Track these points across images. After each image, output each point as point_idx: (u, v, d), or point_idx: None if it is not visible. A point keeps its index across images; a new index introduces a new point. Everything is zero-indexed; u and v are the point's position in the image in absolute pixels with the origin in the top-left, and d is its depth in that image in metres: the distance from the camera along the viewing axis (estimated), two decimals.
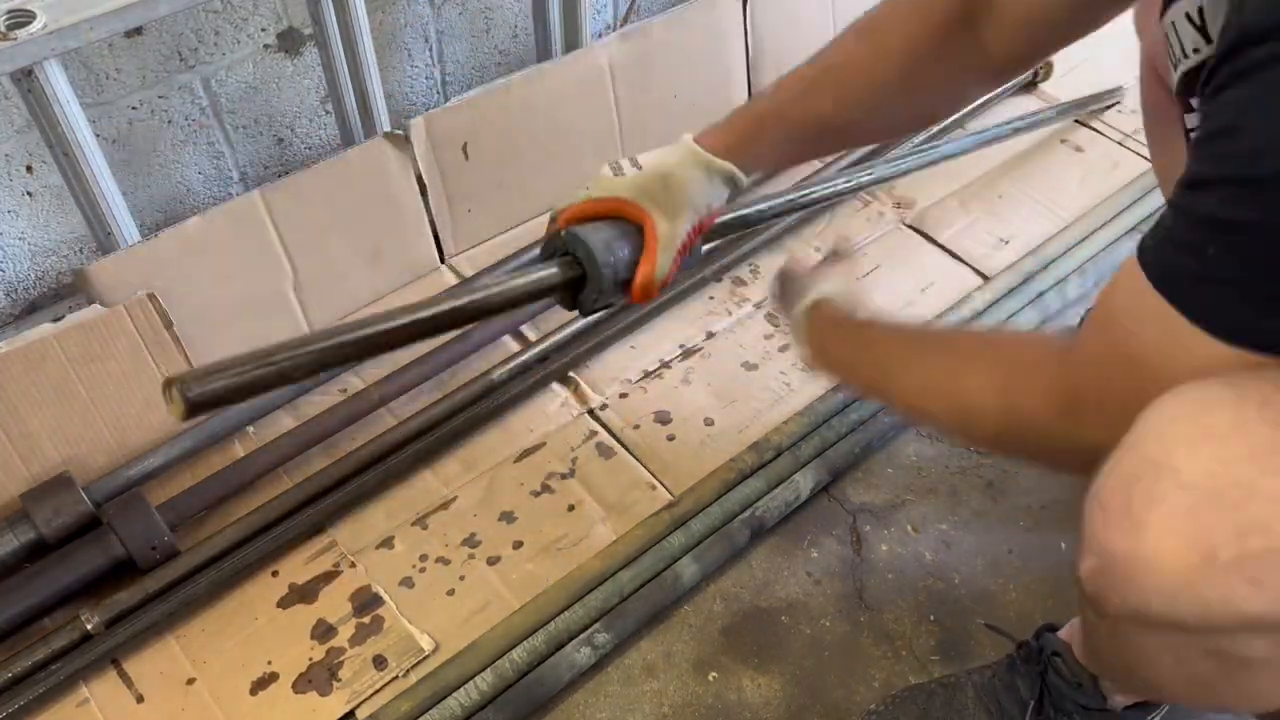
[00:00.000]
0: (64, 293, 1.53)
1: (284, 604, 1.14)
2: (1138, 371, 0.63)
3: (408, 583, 1.15)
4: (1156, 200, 1.56)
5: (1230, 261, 0.58)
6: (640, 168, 0.87)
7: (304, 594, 1.14)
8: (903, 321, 0.88)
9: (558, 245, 0.88)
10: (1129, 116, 1.71)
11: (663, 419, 1.31)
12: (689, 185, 0.86)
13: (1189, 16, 0.63)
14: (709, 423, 1.30)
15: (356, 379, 1.35)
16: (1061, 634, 0.94)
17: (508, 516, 1.21)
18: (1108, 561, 0.62)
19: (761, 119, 0.88)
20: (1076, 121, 1.72)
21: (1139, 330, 0.63)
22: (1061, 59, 1.76)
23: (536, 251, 1.44)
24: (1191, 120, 0.69)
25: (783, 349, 1.39)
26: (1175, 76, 0.67)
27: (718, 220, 0.93)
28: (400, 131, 1.38)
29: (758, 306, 1.45)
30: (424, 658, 1.08)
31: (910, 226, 1.56)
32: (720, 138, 0.88)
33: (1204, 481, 0.57)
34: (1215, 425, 0.58)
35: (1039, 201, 1.58)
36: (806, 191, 1.13)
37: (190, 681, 1.07)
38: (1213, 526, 0.57)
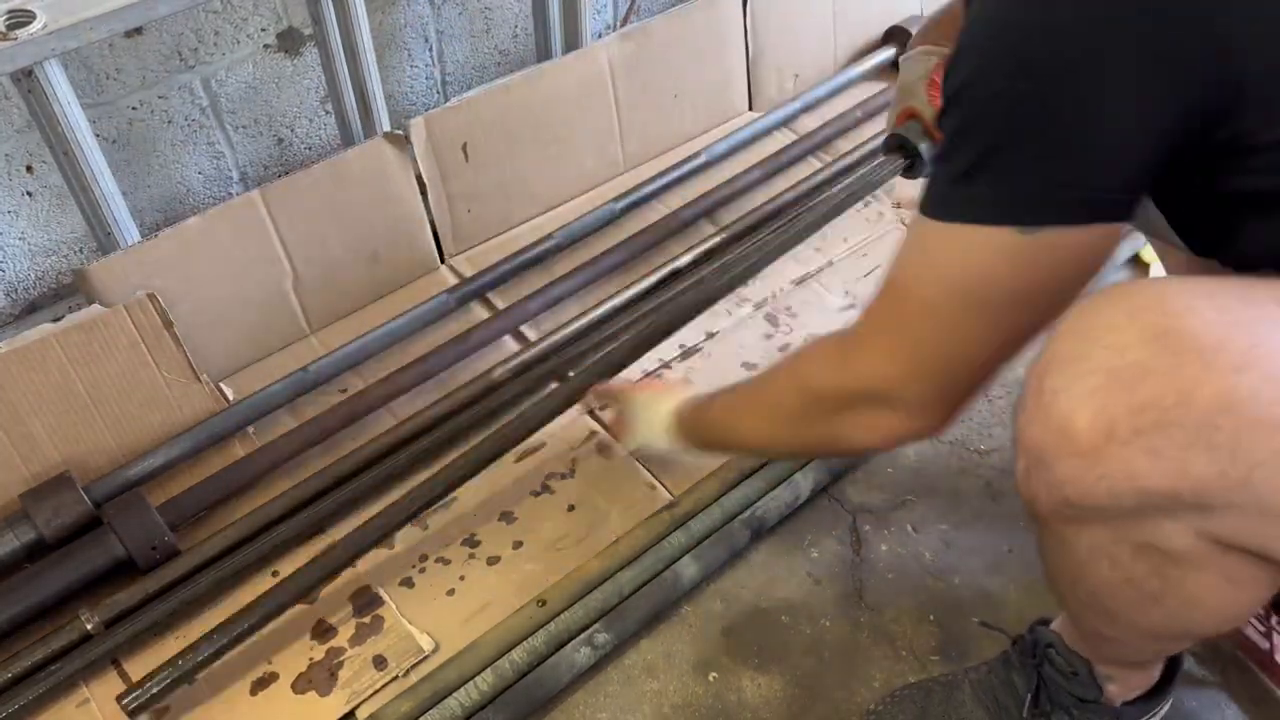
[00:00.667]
0: (64, 293, 1.53)
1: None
2: (903, 296, 0.75)
3: (408, 583, 1.15)
4: None
5: (978, 149, 0.67)
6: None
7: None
8: (731, 386, 1.01)
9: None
10: None
11: None
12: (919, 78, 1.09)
13: None
14: None
15: (357, 379, 1.35)
16: (1054, 625, 0.94)
17: (508, 516, 1.21)
18: (1030, 455, 0.68)
19: None
20: None
21: (915, 264, 0.75)
22: None
23: (537, 251, 1.46)
24: None
25: (782, 349, 1.39)
26: None
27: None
28: (400, 131, 1.38)
29: (757, 307, 1.45)
30: (424, 658, 1.08)
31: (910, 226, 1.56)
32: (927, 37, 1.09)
33: (1102, 366, 0.63)
34: (1112, 319, 0.64)
35: None
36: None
37: (190, 682, 1.07)
38: (1112, 405, 0.62)
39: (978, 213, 0.68)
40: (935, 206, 0.72)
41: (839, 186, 1.52)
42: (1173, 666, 0.95)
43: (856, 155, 1.62)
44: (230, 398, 1.30)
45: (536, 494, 1.23)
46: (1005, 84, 0.66)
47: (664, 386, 1.13)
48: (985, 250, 0.69)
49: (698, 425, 1.04)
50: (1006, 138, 0.67)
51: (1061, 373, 0.65)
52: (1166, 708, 0.96)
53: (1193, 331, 0.61)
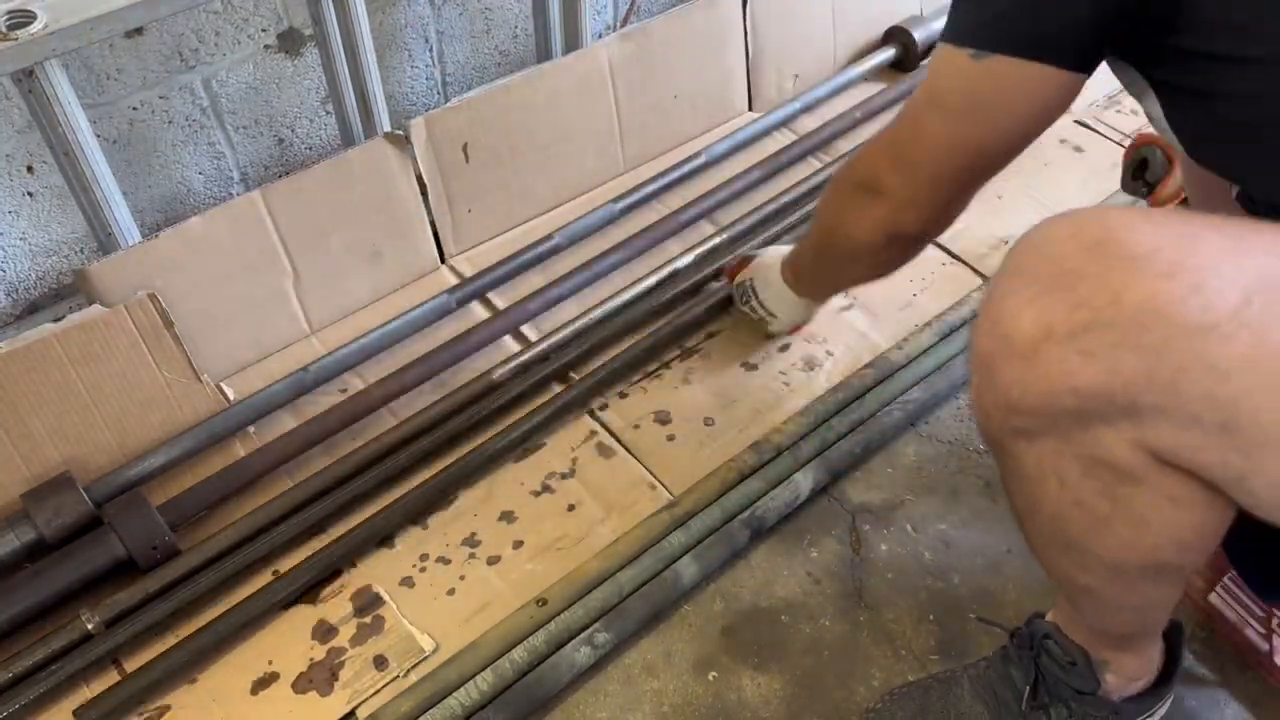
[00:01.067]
0: (65, 293, 1.53)
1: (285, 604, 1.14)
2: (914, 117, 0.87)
3: (408, 583, 1.15)
4: None
5: None
6: None
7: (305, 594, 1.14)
8: None
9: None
10: (1129, 117, 1.71)
11: (663, 419, 1.31)
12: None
13: None
14: (709, 423, 1.31)
15: (357, 379, 1.35)
16: (1049, 616, 0.94)
17: (508, 516, 1.22)
18: (979, 365, 0.73)
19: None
20: (1076, 122, 1.72)
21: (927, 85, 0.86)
22: None
23: (537, 251, 1.46)
24: None
25: (782, 349, 1.39)
26: None
27: None
28: (400, 132, 1.38)
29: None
30: (424, 658, 1.08)
31: None
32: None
33: (1044, 274, 0.68)
34: (1055, 234, 0.69)
35: (1039, 201, 1.58)
36: None
37: (191, 681, 1.08)
38: (1050, 307, 0.67)
39: (951, 34, 0.81)
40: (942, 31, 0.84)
41: None
42: (1171, 664, 0.96)
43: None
44: (231, 398, 1.30)
45: (536, 494, 1.24)
46: None
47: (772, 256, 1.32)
48: (950, 65, 0.81)
49: (792, 261, 1.23)
50: None
51: (1007, 284, 0.70)
52: (1166, 707, 0.96)
53: (1126, 242, 0.65)
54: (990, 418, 0.74)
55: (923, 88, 0.86)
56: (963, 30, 0.80)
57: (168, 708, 1.05)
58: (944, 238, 1.53)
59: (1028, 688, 0.94)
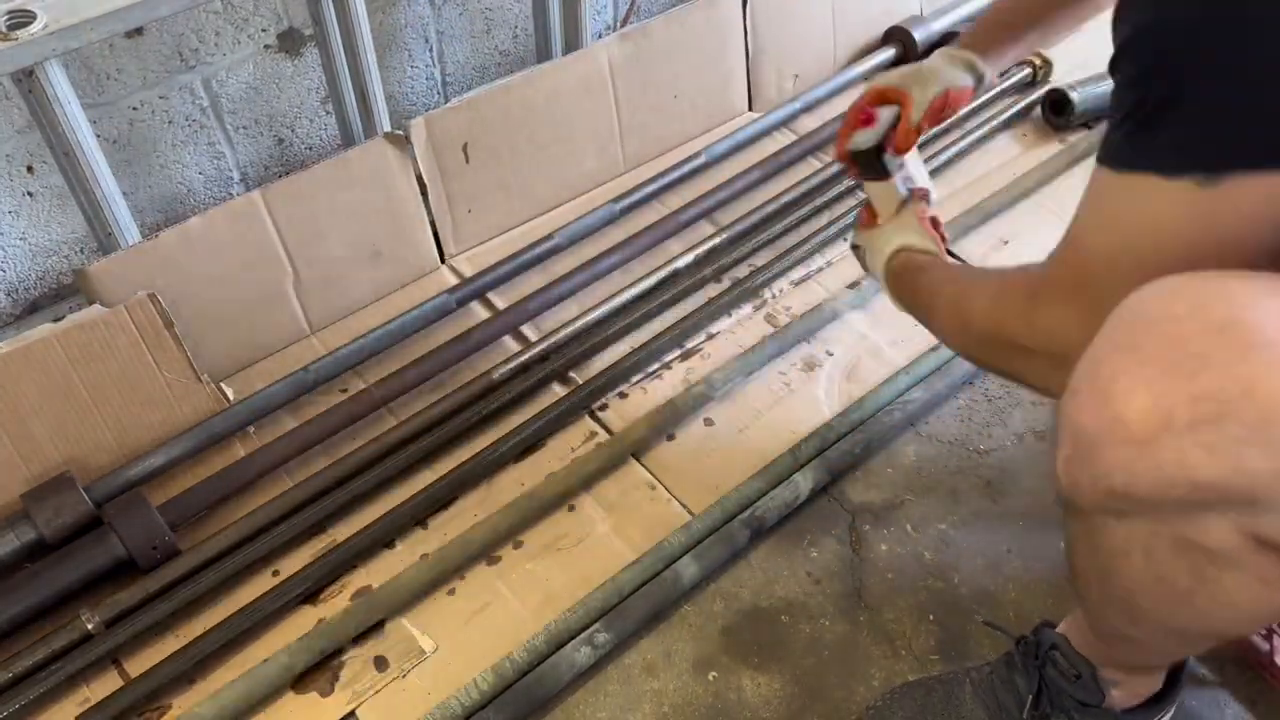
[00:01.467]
0: (65, 293, 1.53)
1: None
2: (1091, 253, 0.73)
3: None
4: None
5: (1157, 97, 0.64)
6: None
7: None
8: (951, 264, 1.03)
9: None
10: None
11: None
12: (936, 70, 1.08)
13: None
14: (709, 423, 1.31)
15: (357, 379, 1.35)
16: (1060, 627, 0.94)
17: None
18: (1078, 441, 0.66)
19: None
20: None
21: (1093, 216, 0.73)
22: (1061, 56, 1.76)
23: (537, 251, 1.46)
24: None
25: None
26: None
27: None
28: (400, 132, 1.38)
29: (757, 308, 1.45)
30: (424, 658, 1.08)
31: None
32: (964, 40, 1.10)
33: (1164, 356, 0.61)
34: (1175, 309, 0.62)
35: (1038, 204, 1.58)
36: None
37: (190, 681, 1.08)
38: (1170, 394, 0.61)
39: (1154, 162, 0.66)
40: (1111, 156, 0.69)
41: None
42: (1176, 674, 0.95)
43: None
44: (230, 398, 1.30)
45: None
46: (1184, 14, 0.63)
47: (897, 221, 1.10)
48: (1163, 203, 0.66)
49: (902, 285, 1.03)
50: (1187, 77, 0.63)
51: (1119, 361, 0.64)
52: (1169, 717, 0.96)
53: (1259, 325, 0.59)
54: (1081, 491, 0.68)
55: (1115, 237, 0.70)
56: (1175, 153, 0.64)
57: (168, 707, 1.05)
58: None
59: (1030, 696, 0.93)
